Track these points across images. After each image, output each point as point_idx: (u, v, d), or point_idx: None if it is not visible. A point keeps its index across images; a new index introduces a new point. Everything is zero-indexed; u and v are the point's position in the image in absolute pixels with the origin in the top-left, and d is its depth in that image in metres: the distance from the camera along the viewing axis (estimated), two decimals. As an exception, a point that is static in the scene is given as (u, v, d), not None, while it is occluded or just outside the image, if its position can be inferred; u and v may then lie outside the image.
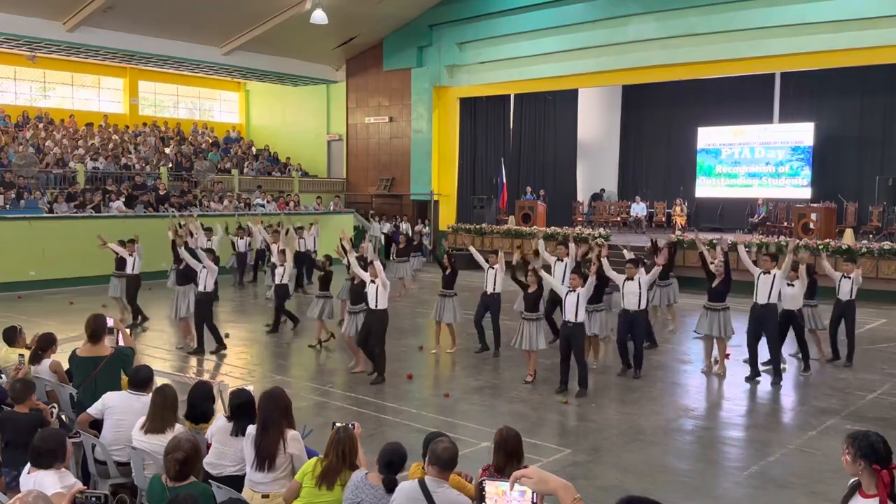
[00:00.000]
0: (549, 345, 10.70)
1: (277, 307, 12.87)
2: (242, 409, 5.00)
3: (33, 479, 4.11)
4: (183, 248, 12.03)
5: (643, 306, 10.12)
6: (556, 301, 11.62)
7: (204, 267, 11.25)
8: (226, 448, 4.97)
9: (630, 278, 10.04)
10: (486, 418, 8.29)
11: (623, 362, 10.27)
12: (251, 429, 4.77)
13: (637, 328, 10.10)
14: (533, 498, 2.50)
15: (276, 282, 12.74)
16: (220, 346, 11.53)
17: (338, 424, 4.51)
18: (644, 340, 10.57)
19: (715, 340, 10.36)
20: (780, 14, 17.70)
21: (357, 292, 10.38)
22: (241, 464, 4.90)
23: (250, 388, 5.44)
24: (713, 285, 10.28)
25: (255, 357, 11.64)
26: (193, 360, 11.22)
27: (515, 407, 8.89)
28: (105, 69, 26.37)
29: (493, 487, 2.61)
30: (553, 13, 21.13)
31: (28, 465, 4.19)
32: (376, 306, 9.74)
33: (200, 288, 11.32)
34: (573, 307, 9.21)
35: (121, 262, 13.41)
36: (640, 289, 9.98)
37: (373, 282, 9.72)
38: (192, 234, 14.34)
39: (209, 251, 11.87)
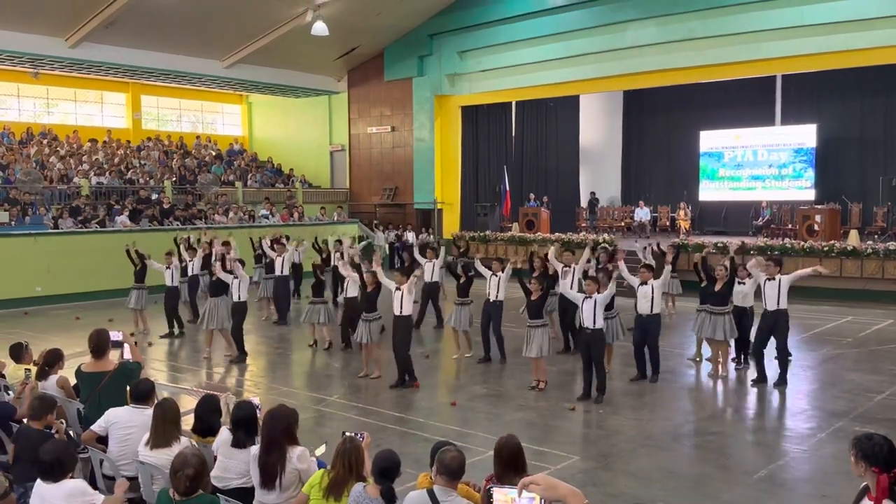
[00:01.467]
0: (559, 353, 10.69)
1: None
2: (244, 421, 4.98)
3: (46, 493, 4.10)
4: (219, 263, 12.25)
5: (656, 310, 10.10)
6: (565, 308, 11.63)
7: (236, 277, 11.70)
8: (229, 461, 4.95)
9: (644, 283, 10.04)
10: (494, 426, 8.25)
11: (638, 369, 10.23)
12: (255, 449, 4.74)
13: (651, 333, 10.08)
14: (541, 505, 2.48)
15: (347, 295, 12.61)
16: (243, 355, 11.80)
17: (347, 434, 4.49)
18: (658, 344, 10.52)
19: (717, 343, 10.36)
20: (779, 17, 17.73)
21: (370, 300, 10.42)
22: (246, 476, 4.87)
23: (256, 400, 5.45)
24: (715, 289, 10.29)
25: (261, 369, 11.65)
26: (206, 372, 11.26)
27: (523, 414, 8.86)
28: (108, 84, 26.50)
29: (501, 494, 2.60)
30: (552, 20, 21.19)
31: (38, 480, 4.21)
32: (401, 313, 9.85)
33: (235, 298, 11.71)
34: (591, 313, 9.15)
35: (140, 275, 13.80)
36: (653, 293, 9.97)
37: (398, 289, 9.78)
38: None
39: (241, 261, 12.20)
